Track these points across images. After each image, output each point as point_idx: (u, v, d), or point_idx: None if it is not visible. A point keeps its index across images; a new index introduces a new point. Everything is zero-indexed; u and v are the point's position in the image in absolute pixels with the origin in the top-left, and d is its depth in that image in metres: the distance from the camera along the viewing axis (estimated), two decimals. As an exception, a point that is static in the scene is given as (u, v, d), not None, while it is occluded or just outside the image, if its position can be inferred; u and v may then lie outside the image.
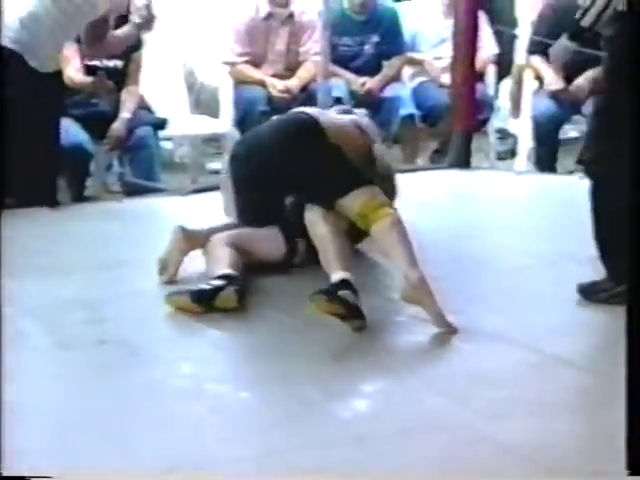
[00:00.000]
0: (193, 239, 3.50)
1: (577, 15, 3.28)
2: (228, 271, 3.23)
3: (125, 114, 5.17)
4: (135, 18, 4.52)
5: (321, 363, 2.82)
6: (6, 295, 3.24)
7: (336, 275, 3.16)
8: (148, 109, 5.45)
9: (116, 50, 4.86)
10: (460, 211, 4.48)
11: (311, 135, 3.51)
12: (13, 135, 4.18)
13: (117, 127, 5.15)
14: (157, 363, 2.81)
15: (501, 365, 2.79)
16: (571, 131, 6.10)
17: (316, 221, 3.39)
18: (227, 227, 3.59)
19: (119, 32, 4.60)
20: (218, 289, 3.13)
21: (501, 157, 6.28)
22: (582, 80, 5.46)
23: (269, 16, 5.80)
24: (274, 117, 3.80)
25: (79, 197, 4.94)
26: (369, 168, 3.60)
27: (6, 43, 4.23)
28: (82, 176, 5.07)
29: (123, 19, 4.59)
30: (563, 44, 3.47)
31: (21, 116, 4.20)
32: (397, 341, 2.96)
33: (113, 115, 5.17)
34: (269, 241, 3.54)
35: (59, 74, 4.46)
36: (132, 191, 5.10)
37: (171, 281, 3.40)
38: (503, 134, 6.48)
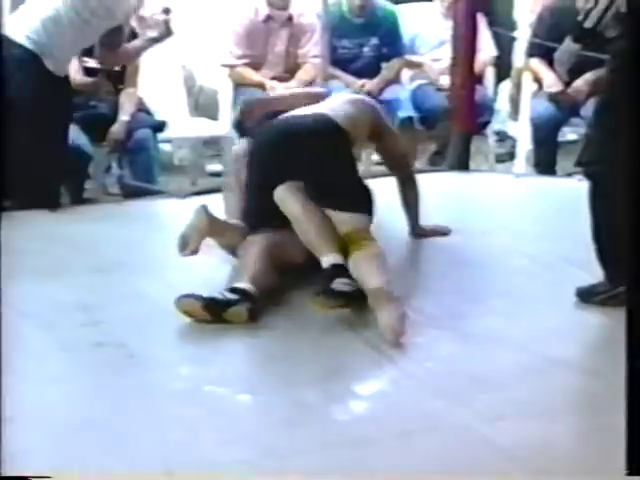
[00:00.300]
0: (214, 224, 3.44)
1: (580, 17, 3.30)
2: (246, 286, 3.17)
3: (124, 116, 5.17)
4: (153, 33, 4.52)
5: (319, 366, 2.82)
6: (5, 297, 3.25)
7: (326, 259, 3.19)
8: (147, 111, 5.45)
9: (128, 61, 4.89)
10: (459, 213, 4.48)
11: (336, 141, 3.55)
12: (21, 136, 4.21)
13: (116, 129, 5.15)
14: (155, 365, 2.80)
15: (500, 367, 2.79)
16: (570, 133, 6.09)
17: (286, 198, 3.36)
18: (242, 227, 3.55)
19: (134, 44, 4.63)
20: (231, 303, 3.10)
21: (500, 159, 6.28)
22: (581, 82, 5.46)
23: (268, 18, 5.80)
24: (291, 115, 3.71)
25: (78, 199, 4.93)
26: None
27: (25, 43, 4.25)
28: (81, 178, 5.06)
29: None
30: (567, 47, 3.48)
31: (32, 117, 4.22)
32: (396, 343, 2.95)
33: (112, 117, 5.17)
34: (294, 244, 3.47)
35: (68, 78, 4.48)
36: (131, 193, 5.10)
37: (193, 252, 3.35)
38: (502, 136, 6.48)
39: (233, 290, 3.14)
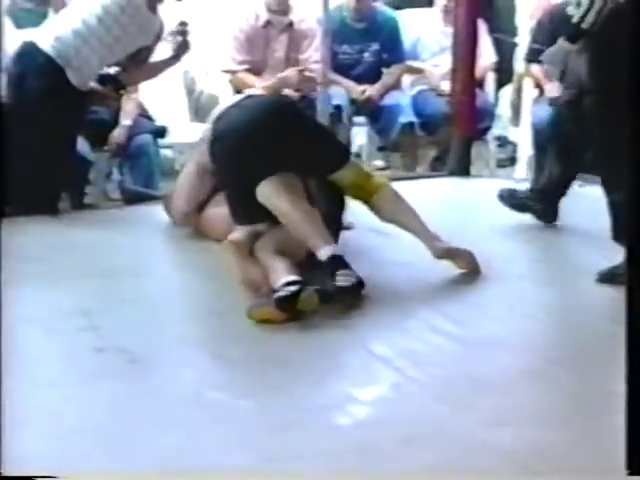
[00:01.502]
0: (245, 246, 3.41)
1: (575, 19, 3.36)
2: (294, 277, 3.17)
3: (126, 121, 5.17)
4: (176, 52, 4.58)
5: (320, 370, 2.81)
6: (5, 302, 3.24)
7: (323, 251, 3.19)
8: (148, 117, 5.45)
9: (150, 78, 4.90)
10: (460, 219, 4.48)
11: (293, 110, 3.71)
12: (29, 143, 4.23)
13: (118, 134, 5.15)
14: (156, 370, 2.80)
15: (502, 372, 2.79)
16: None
17: (271, 196, 3.37)
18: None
19: (158, 62, 4.66)
20: (298, 292, 3.09)
21: (501, 165, 6.28)
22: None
23: (268, 24, 5.80)
24: (243, 101, 3.76)
25: (79, 205, 4.93)
26: None
27: (51, 52, 4.26)
28: (82, 184, 5.06)
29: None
30: (561, 47, 3.52)
31: (43, 126, 4.24)
32: (397, 348, 2.95)
33: (113, 123, 5.17)
34: (295, 239, 3.46)
35: (89, 93, 4.50)
36: (132, 199, 5.10)
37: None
38: (503, 142, 6.48)
39: (287, 284, 3.12)
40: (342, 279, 3.20)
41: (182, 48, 4.56)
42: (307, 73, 4.36)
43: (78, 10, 4.36)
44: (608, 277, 3.38)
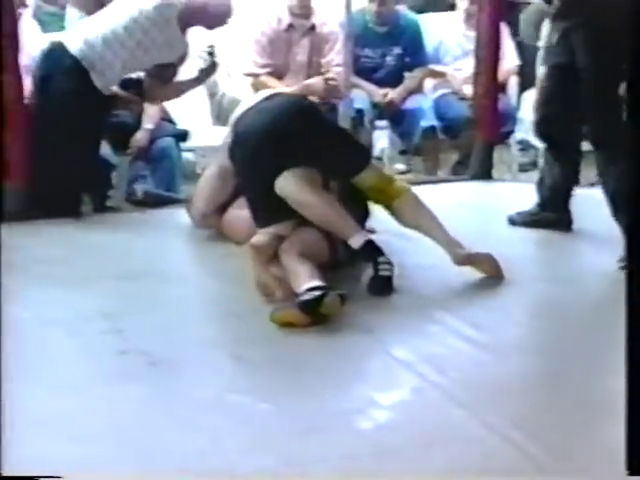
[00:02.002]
0: (265, 250, 3.41)
1: None
2: (317, 282, 3.18)
3: (148, 124, 5.19)
4: (202, 73, 4.63)
5: (341, 374, 2.81)
6: (29, 304, 3.26)
7: (355, 239, 3.28)
8: (170, 121, 5.46)
9: (174, 97, 4.93)
10: (482, 223, 4.46)
11: (321, 116, 3.75)
12: (53, 145, 4.25)
13: (140, 137, 5.16)
14: (178, 373, 2.80)
15: (523, 376, 2.78)
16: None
17: (292, 186, 3.38)
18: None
19: (183, 81, 4.70)
20: (321, 296, 3.09)
21: (523, 169, 6.25)
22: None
23: (291, 27, 5.81)
24: (263, 103, 3.76)
25: (101, 208, 4.95)
26: None
27: (78, 55, 4.29)
28: (104, 187, 5.08)
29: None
30: (536, 6, 3.74)
31: (68, 129, 4.27)
32: (418, 352, 2.94)
33: (135, 126, 5.18)
34: (319, 242, 3.51)
35: (112, 97, 4.54)
36: (154, 202, 5.11)
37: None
38: (525, 146, 6.45)
39: (311, 289, 3.13)
40: (384, 268, 3.23)
41: (208, 70, 4.59)
42: (332, 82, 4.38)
43: (108, 16, 4.39)
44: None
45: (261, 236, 3.42)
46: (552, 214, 4.24)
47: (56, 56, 4.35)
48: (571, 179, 4.26)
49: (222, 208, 4.07)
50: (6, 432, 2.19)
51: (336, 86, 4.52)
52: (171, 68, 4.55)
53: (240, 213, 3.89)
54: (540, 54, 4.45)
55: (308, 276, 3.22)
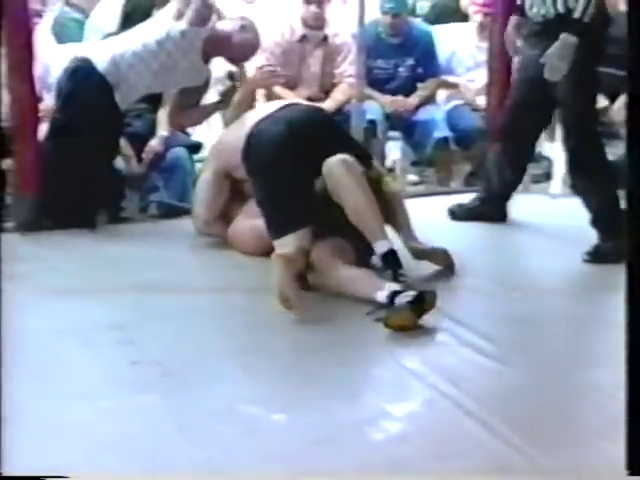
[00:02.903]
0: (296, 262, 3.41)
1: (577, 13, 3.99)
2: (395, 286, 3.25)
3: (163, 132, 5.19)
4: (223, 98, 4.68)
5: (353, 385, 2.81)
6: (43, 314, 3.28)
7: (381, 243, 3.36)
8: (183, 131, 5.47)
9: (196, 124, 5.02)
10: (494, 234, 4.46)
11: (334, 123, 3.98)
12: (71, 158, 4.28)
13: (155, 144, 5.17)
14: (189, 384, 2.81)
15: (536, 388, 2.77)
16: (610, 155, 6.04)
17: (343, 170, 3.49)
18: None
19: (205, 106, 4.78)
20: (421, 295, 3.17)
21: (536, 180, 6.24)
22: (622, 104, 5.44)
23: (304, 39, 5.82)
24: (278, 112, 3.88)
25: (115, 219, 4.96)
26: None
27: (103, 71, 4.32)
28: (118, 198, 5.09)
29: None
30: (565, 41, 4.05)
31: (91, 143, 4.29)
32: (429, 363, 2.94)
33: (147, 136, 5.19)
34: (347, 249, 3.57)
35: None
36: (167, 213, 5.12)
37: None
38: (537, 157, 6.44)
39: (397, 293, 3.19)
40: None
41: (230, 94, 4.63)
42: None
43: (136, 36, 4.44)
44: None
45: (287, 248, 3.43)
46: (491, 208, 4.65)
47: (83, 72, 4.37)
48: (518, 180, 4.70)
49: (224, 215, 4.10)
50: (16, 438, 2.19)
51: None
52: (194, 94, 4.60)
53: (248, 223, 3.90)
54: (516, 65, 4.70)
55: (377, 280, 3.30)
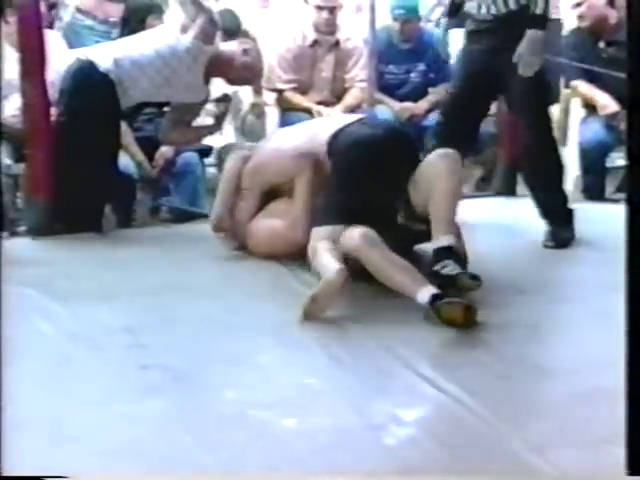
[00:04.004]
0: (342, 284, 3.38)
1: (539, 10, 4.07)
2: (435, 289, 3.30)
3: None
4: (217, 120, 4.78)
5: (365, 390, 2.81)
6: (54, 318, 3.28)
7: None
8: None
9: (190, 143, 5.04)
10: (506, 239, 4.45)
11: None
12: (75, 160, 4.29)
13: (166, 149, 5.18)
14: (200, 388, 2.81)
15: (550, 394, 2.77)
16: (619, 159, 6.03)
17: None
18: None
19: (200, 127, 4.82)
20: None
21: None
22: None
23: (315, 43, 5.83)
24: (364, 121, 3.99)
25: (126, 223, 4.97)
26: None
27: (107, 72, 4.33)
28: (128, 201, 5.10)
29: None
30: (535, 36, 4.14)
31: (92, 143, 4.30)
32: (441, 370, 2.93)
33: (158, 140, 5.19)
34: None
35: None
36: (178, 217, 5.13)
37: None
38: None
39: (438, 297, 3.23)
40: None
41: (223, 117, 4.65)
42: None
43: (138, 43, 4.44)
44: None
45: (318, 238, 3.54)
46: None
47: (85, 72, 4.37)
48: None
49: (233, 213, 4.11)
50: (26, 443, 2.20)
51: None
52: (189, 112, 4.61)
53: (265, 223, 3.93)
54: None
55: (420, 278, 3.33)
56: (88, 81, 4.36)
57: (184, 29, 4.40)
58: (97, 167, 4.37)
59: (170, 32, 4.46)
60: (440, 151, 3.70)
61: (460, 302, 3.20)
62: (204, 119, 4.89)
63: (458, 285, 3.38)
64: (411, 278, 3.33)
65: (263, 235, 3.97)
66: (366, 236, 3.46)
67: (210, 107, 4.87)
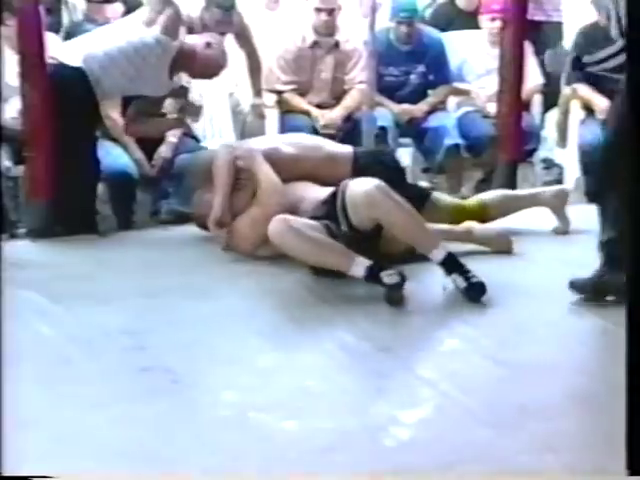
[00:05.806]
0: None
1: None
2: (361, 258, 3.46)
3: (172, 138, 5.20)
4: (179, 114, 4.86)
5: (364, 392, 2.81)
6: (54, 321, 3.28)
7: (439, 253, 3.41)
8: (194, 137, 5.48)
9: (152, 135, 5.01)
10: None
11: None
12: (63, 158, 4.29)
13: (165, 150, 5.18)
14: (200, 391, 2.81)
15: (548, 396, 2.77)
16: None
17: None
18: None
19: (165, 120, 4.84)
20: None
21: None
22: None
23: (315, 45, 5.83)
24: None
25: (126, 224, 4.97)
26: None
27: (79, 65, 4.33)
28: (128, 202, 5.10)
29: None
30: None
31: (73, 139, 4.30)
32: (441, 370, 2.93)
33: (157, 141, 5.19)
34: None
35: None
36: (177, 218, 5.12)
37: None
38: (549, 164, 6.44)
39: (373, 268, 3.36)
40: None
41: (185, 111, 4.65)
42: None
43: (107, 36, 4.46)
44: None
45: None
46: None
47: (58, 74, 4.37)
48: None
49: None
50: (27, 445, 2.19)
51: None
52: (153, 105, 4.62)
53: (246, 220, 3.97)
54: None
55: (350, 253, 3.46)
56: (60, 80, 4.34)
57: (150, 22, 4.40)
58: (80, 162, 4.37)
59: (134, 24, 4.45)
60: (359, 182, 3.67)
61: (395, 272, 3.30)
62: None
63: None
64: (342, 254, 3.38)
65: (243, 232, 4.03)
66: (285, 221, 3.54)
67: (169, 101, 4.86)
